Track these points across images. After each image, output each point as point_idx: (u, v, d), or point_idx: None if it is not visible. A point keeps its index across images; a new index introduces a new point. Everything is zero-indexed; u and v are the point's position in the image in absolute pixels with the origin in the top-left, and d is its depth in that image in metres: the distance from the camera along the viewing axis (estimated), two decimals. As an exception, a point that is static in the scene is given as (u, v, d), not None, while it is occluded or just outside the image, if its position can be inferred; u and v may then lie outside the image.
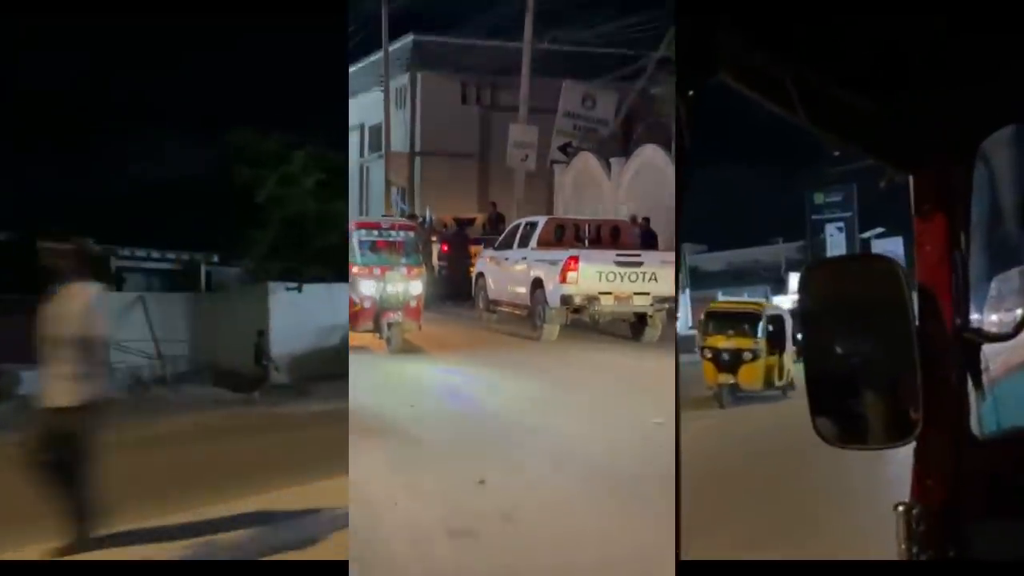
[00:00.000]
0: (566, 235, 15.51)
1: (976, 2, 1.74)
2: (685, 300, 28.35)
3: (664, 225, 21.70)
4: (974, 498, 2.03)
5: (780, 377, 17.73)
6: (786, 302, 38.93)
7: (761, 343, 17.12)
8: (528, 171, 27.79)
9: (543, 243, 15.02)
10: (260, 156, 22.16)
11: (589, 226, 15.97)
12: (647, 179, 23.69)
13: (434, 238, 20.38)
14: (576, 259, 13.65)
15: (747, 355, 16.91)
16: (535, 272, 14.23)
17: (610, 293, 13.59)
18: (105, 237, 26.76)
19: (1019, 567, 1.94)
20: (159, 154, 24.54)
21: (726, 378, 16.79)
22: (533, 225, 15.68)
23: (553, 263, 13.87)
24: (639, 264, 13.81)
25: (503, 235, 16.90)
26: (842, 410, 2.00)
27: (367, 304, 12.62)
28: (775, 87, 1.72)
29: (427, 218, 22.15)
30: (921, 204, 2.15)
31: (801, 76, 1.74)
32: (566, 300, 13.56)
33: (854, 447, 2.06)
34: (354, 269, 12.73)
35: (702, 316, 19.57)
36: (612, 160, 25.66)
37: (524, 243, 15.35)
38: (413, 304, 12.83)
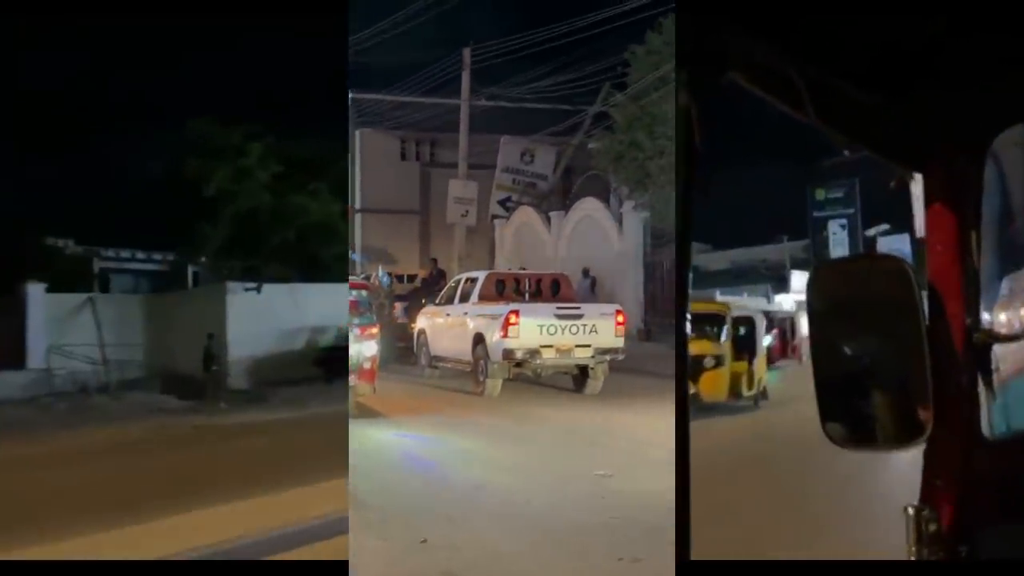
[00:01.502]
0: (507, 289, 15.54)
1: (985, 1, 1.74)
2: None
3: (606, 275, 21.91)
4: (984, 499, 2.02)
5: (750, 386, 16.24)
6: (788, 301, 38.37)
7: (725, 348, 15.63)
8: (469, 226, 27.95)
9: (484, 298, 15.04)
10: (216, 148, 21.09)
11: (529, 280, 16.03)
12: (587, 231, 23.95)
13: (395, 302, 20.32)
14: (517, 313, 13.68)
15: (708, 361, 15.23)
16: (476, 327, 14.22)
17: (551, 346, 13.62)
18: (88, 238, 25.87)
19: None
20: (148, 155, 23.45)
21: None
22: (473, 280, 15.72)
23: (494, 317, 13.87)
24: (579, 316, 13.89)
25: (443, 290, 16.90)
26: (851, 412, 1.98)
27: None
28: (783, 85, 1.71)
29: (381, 277, 21.98)
30: (932, 203, 2.13)
31: (810, 74, 1.72)
32: (508, 354, 13.55)
33: (864, 449, 2.07)
34: None
35: None
36: (552, 213, 25.91)
37: (465, 298, 15.37)
38: (367, 366, 12.27)
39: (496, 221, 27.92)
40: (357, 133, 32.44)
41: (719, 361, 15.57)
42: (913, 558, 1.96)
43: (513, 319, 13.60)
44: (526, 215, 26.85)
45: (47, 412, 17.30)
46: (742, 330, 16.46)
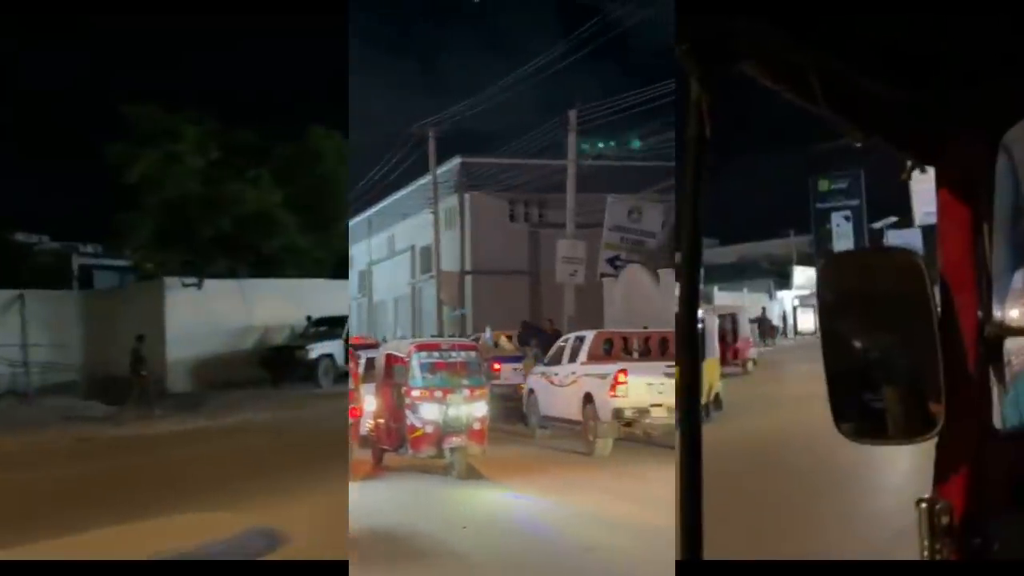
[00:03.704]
0: (615, 348, 15.49)
1: None
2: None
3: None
4: (996, 493, 2.00)
5: None
6: (788, 297, 36.52)
7: None
8: (578, 285, 28.02)
9: (592, 357, 15.03)
10: (147, 133, 19.58)
11: (638, 339, 15.94)
12: (696, 288, 23.68)
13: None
14: (625, 372, 13.63)
15: None
16: (585, 386, 14.20)
17: (661, 405, 13.48)
18: (67, 234, 25.33)
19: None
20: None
21: None
22: (581, 339, 15.75)
23: (602, 377, 13.84)
24: (689, 375, 13.69)
25: (552, 350, 16.95)
26: (862, 405, 1.98)
27: (429, 428, 12.07)
28: (794, 75, 1.70)
29: (488, 338, 22.05)
30: (944, 195, 2.11)
31: (821, 63, 1.72)
32: (617, 414, 13.46)
33: (875, 443, 2.04)
34: (414, 392, 12.25)
35: None
36: (661, 271, 25.77)
37: (573, 358, 15.38)
38: (477, 427, 12.28)
39: (605, 280, 27.90)
40: (467, 196, 33.13)
41: None
42: (926, 552, 1.95)
43: (622, 378, 13.55)
44: (635, 273, 26.76)
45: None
46: None
